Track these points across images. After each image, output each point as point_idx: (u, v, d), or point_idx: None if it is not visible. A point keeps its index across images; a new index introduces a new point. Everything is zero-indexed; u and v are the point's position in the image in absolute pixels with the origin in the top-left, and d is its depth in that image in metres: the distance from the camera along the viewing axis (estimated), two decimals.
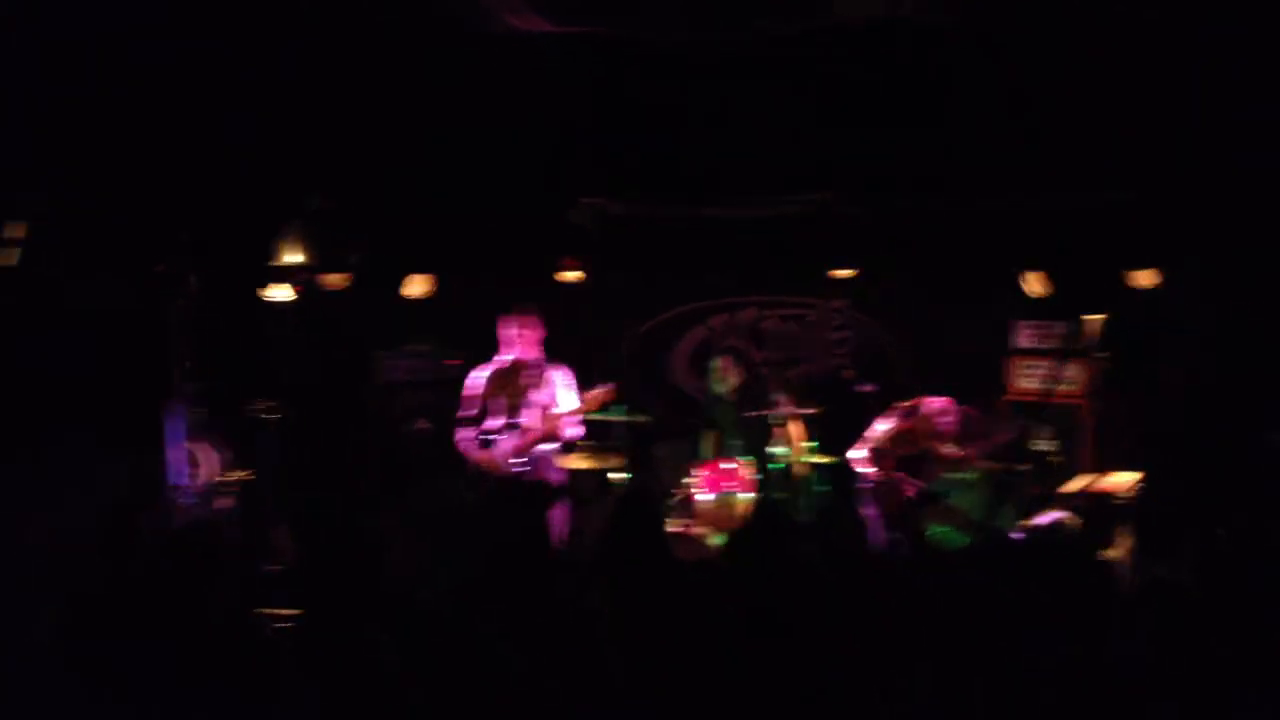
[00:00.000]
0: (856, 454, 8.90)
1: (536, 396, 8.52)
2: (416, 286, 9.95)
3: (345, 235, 8.96)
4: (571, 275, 9.92)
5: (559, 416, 8.49)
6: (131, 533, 5.41)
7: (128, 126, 7.32)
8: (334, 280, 9.28)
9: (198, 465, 8.41)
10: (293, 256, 8.73)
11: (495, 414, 8.56)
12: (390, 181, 8.16)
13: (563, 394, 8.56)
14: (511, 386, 8.57)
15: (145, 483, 7.61)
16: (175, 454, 8.06)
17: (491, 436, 8.52)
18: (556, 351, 8.80)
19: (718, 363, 10.01)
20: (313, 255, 8.84)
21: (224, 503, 8.63)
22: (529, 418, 8.49)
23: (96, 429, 7.57)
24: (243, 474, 9.01)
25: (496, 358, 8.64)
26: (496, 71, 7.35)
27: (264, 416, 9.24)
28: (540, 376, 8.55)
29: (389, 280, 10.02)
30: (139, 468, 7.65)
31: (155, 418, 8.05)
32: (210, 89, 7.25)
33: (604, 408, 8.79)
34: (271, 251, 8.65)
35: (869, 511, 8.77)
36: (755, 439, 9.67)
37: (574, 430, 8.60)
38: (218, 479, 8.71)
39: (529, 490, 8.47)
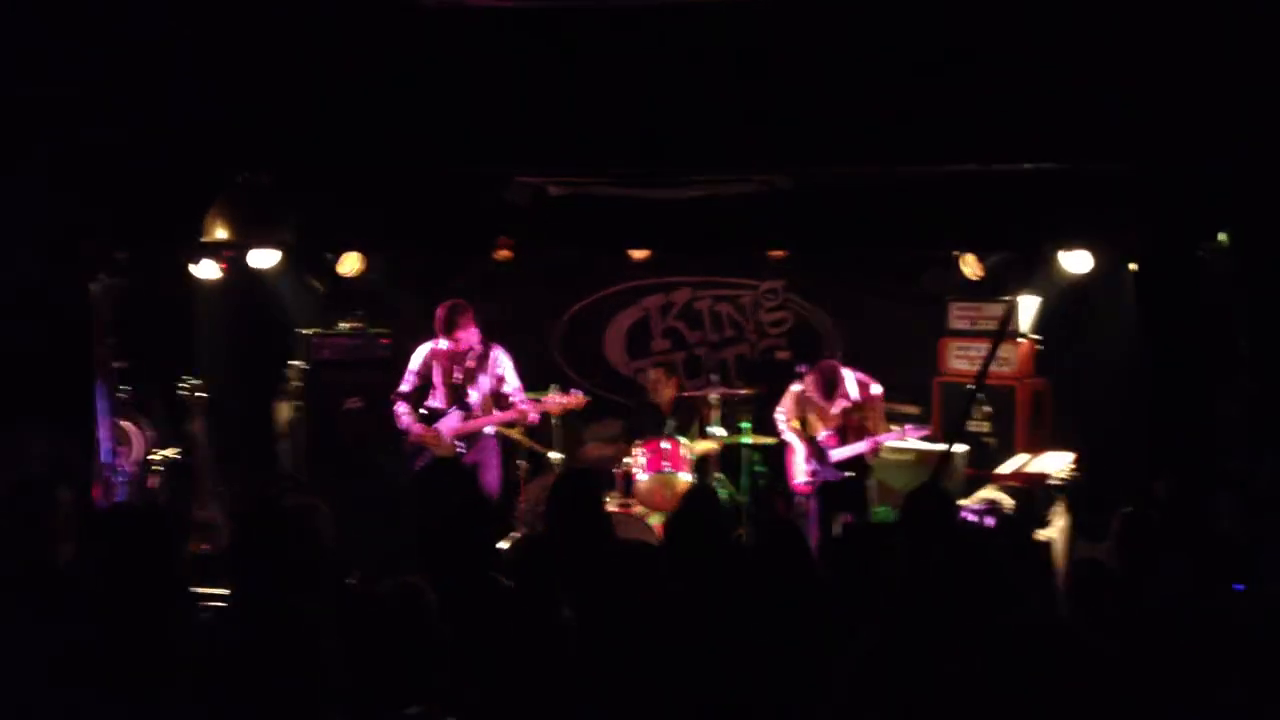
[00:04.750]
0: (779, 417, 8.93)
1: (484, 379, 8.55)
2: (347, 264, 9.84)
3: (274, 211, 8.81)
4: (504, 254, 9.86)
5: (508, 396, 8.53)
6: (54, 510, 5.26)
7: (49, 99, 7.14)
8: (262, 257, 9.14)
9: (126, 444, 8.27)
10: (220, 232, 8.58)
11: (437, 391, 8.58)
12: (321, 158, 8.02)
13: (509, 374, 8.60)
14: (455, 366, 8.57)
15: (68, 461, 7.45)
16: (103, 432, 7.92)
17: (436, 413, 8.53)
18: (489, 331, 8.80)
19: (651, 375, 10.01)
20: (241, 231, 8.69)
21: (152, 482, 8.51)
22: (477, 399, 8.51)
23: (19, 407, 7.39)
24: (170, 453, 8.88)
25: (439, 338, 8.63)
26: (430, 46, 7.24)
27: (190, 395, 9.11)
28: (483, 359, 8.57)
29: (319, 257, 9.90)
30: (62, 446, 7.49)
31: (79, 396, 7.89)
32: (136, 63, 7.09)
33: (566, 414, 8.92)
34: (199, 228, 8.49)
35: (802, 486, 8.78)
36: (691, 420, 9.66)
37: (525, 408, 8.63)
38: (144, 458, 8.58)
39: (465, 468, 8.48)
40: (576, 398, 8.78)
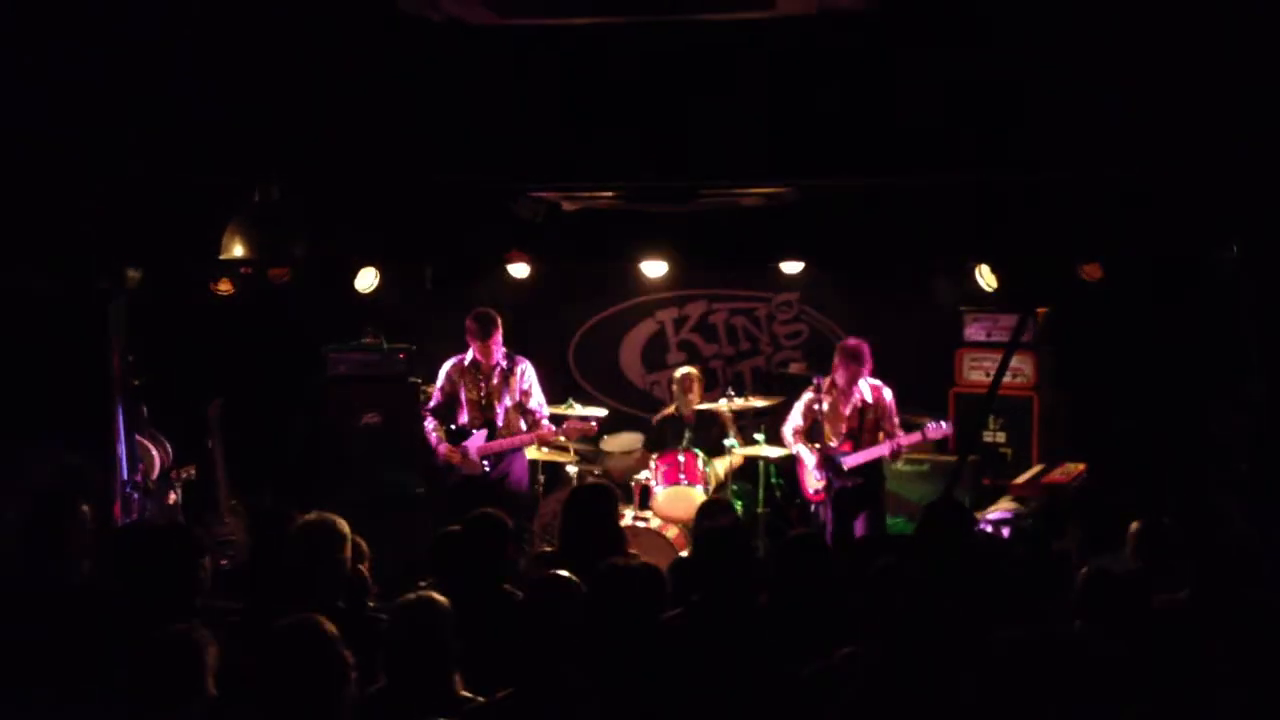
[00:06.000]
0: (786, 430, 8.91)
1: (509, 394, 8.55)
2: (363, 280, 9.88)
3: (291, 228, 8.85)
4: (518, 268, 9.90)
5: (534, 413, 8.55)
6: (75, 526, 5.31)
7: (65, 116, 7.20)
8: (279, 273, 9.18)
9: (145, 460, 8.30)
10: (236, 249, 8.63)
11: (465, 408, 8.58)
12: (335, 173, 8.06)
13: (535, 389, 8.62)
14: (480, 383, 8.58)
15: (88, 477, 7.49)
16: (122, 449, 7.95)
17: (463, 430, 8.54)
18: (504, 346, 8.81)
19: (680, 375, 9.98)
20: (258, 248, 8.73)
21: (171, 498, 8.54)
22: (502, 414, 8.52)
23: (39, 424, 7.44)
24: (187, 469, 8.91)
25: (464, 354, 8.64)
26: (441, 62, 7.28)
27: (208, 411, 9.15)
28: (509, 373, 8.58)
29: (335, 273, 9.93)
30: (82, 462, 7.53)
31: (98, 413, 7.93)
32: (150, 80, 7.14)
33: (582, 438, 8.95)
34: (215, 244, 8.54)
35: (816, 498, 8.74)
36: (708, 433, 9.67)
37: (548, 425, 8.63)
38: (160, 475, 8.61)
39: (491, 485, 8.47)
40: (589, 425, 8.81)
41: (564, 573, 4.76)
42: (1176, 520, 5.96)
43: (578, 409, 9.19)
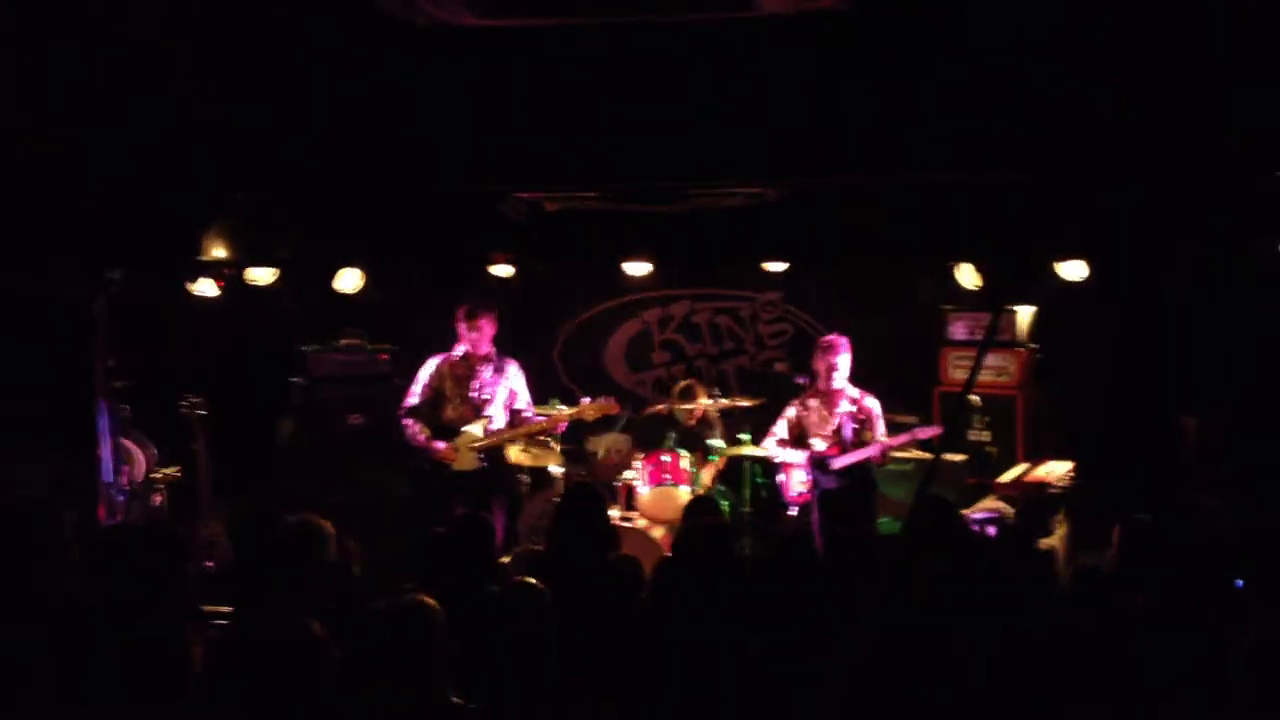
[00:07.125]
0: (769, 441, 8.86)
1: (500, 391, 8.52)
2: (346, 280, 9.86)
3: (272, 229, 8.83)
4: (502, 269, 9.88)
5: (521, 413, 8.55)
6: (54, 532, 5.29)
7: (46, 117, 7.17)
8: (261, 274, 9.15)
9: (128, 462, 8.27)
10: (219, 250, 8.61)
11: (451, 404, 8.53)
12: (319, 175, 8.05)
13: (521, 390, 8.59)
14: (466, 380, 8.53)
15: (71, 481, 7.46)
16: (106, 451, 7.92)
17: (453, 427, 8.50)
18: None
19: (684, 384, 9.93)
20: (239, 249, 8.71)
21: (156, 500, 8.51)
22: (495, 409, 8.48)
23: (21, 428, 7.40)
24: (171, 471, 8.89)
25: (451, 350, 8.60)
26: (424, 63, 7.27)
27: (191, 413, 9.11)
28: (498, 371, 8.54)
29: (318, 274, 9.91)
30: (65, 466, 7.50)
31: (81, 416, 7.89)
32: (131, 80, 7.12)
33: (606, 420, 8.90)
34: (198, 246, 8.51)
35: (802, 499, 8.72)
36: (693, 432, 9.66)
37: (544, 419, 8.61)
38: (145, 477, 8.59)
39: (479, 483, 8.43)
40: (611, 403, 8.75)
41: (531, 580, 4.78)
42: (1158, 518, 5.98)
43: (563, 410, 9.14)
